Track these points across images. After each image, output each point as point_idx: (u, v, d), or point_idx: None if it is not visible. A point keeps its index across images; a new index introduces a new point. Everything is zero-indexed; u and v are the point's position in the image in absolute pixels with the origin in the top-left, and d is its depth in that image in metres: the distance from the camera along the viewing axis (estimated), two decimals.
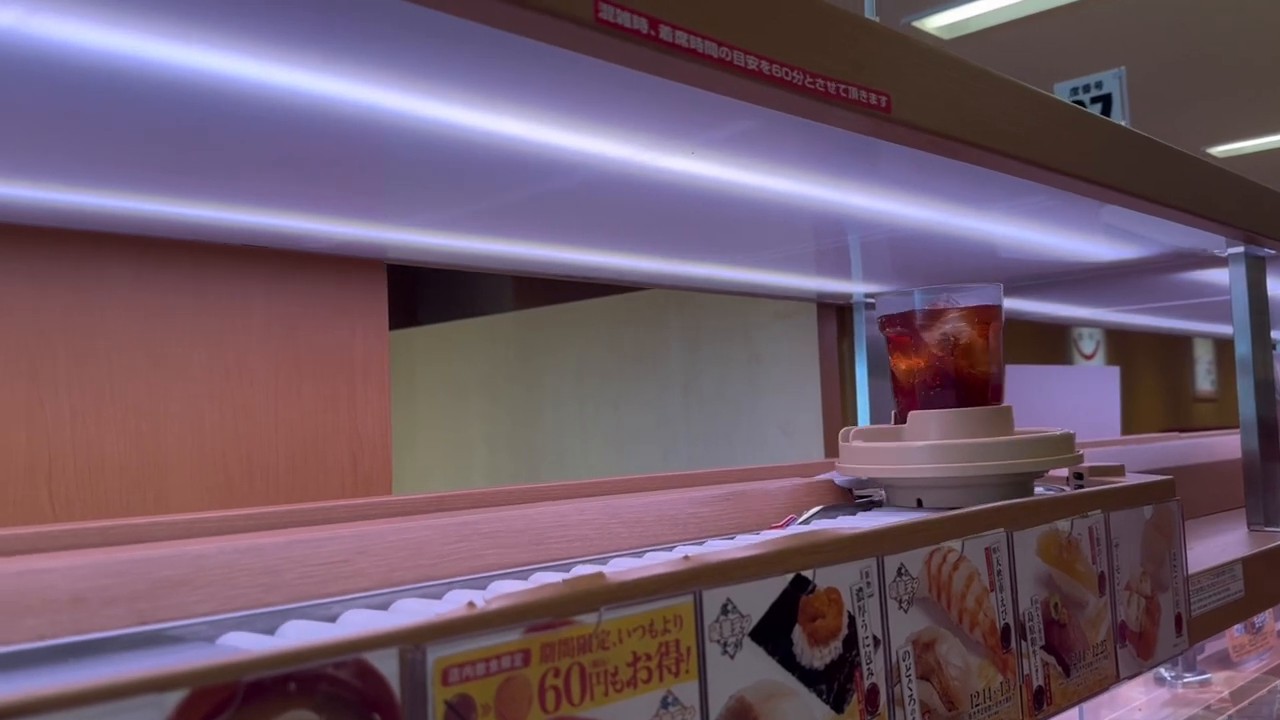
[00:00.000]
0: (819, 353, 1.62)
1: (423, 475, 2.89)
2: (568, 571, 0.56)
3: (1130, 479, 0.78)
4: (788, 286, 1.48)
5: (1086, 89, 1.77)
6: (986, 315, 0.80)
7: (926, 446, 0.73)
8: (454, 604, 0.49)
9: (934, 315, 0.80)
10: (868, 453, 0.76)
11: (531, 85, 0.52)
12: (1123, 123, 1.80)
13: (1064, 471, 0.87)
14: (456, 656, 0.35)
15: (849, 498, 0.80)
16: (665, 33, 0.44)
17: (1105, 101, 1.76)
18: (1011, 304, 1.82)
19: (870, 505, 0.81)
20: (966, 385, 0.78)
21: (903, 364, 0.81)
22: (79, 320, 0.78)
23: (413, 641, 0.34)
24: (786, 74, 0.50)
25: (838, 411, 1.66)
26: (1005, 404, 0.79)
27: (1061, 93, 1.81)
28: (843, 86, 0.54)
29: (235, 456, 0.86)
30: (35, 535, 0.49)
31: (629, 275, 1.31)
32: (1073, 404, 1.65)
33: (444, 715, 0.34)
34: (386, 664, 0.33)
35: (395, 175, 0.69)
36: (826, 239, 1.09)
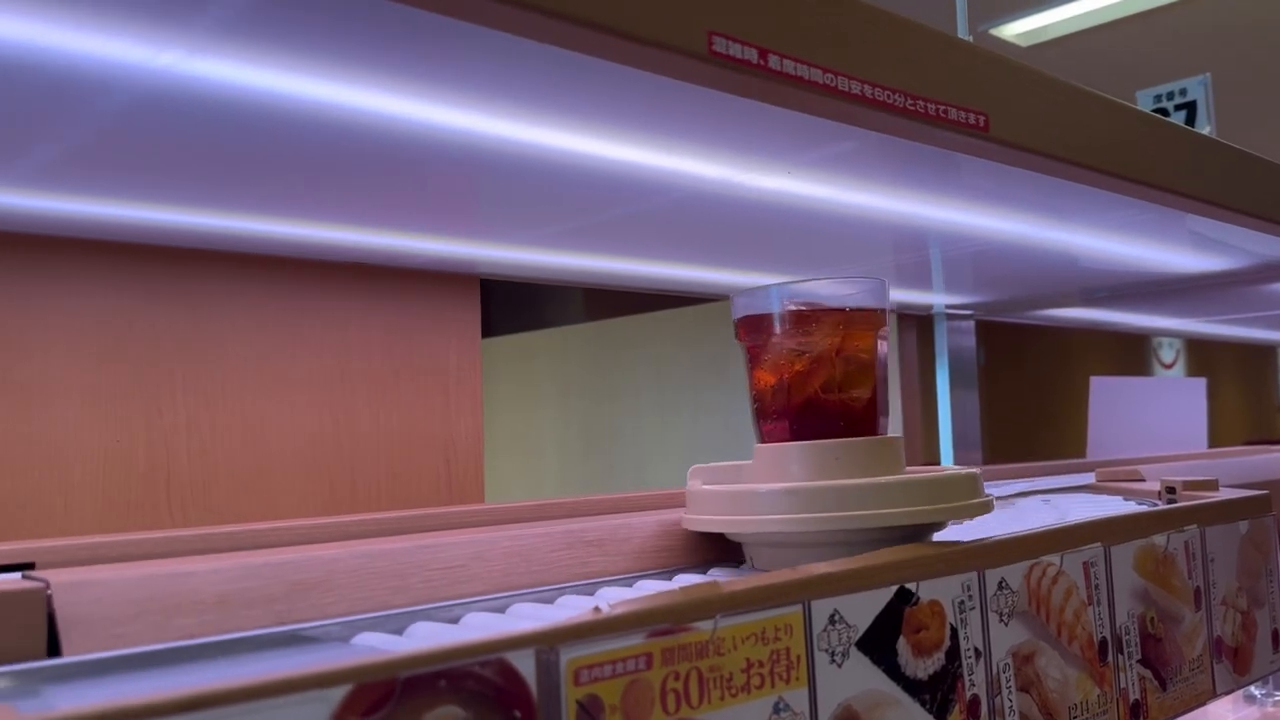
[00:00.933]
0: (899, 364, 1.62)
1: (501, 484, 2.93)
2: (671, 581, 0.58)
3: (1224, 494, 0.77)
4: None
5: (1170, 96, 1.75)
6: (866, 321, 0.61)
7: (770, 493, 0.55)
8: (567, 609, 0.51)
9: (797, 320, 0.60)
10: (709, 499, 0.59)
11: (633, 111, 0.54)
12: (1208, 129, 1.77)
13: (1156, 485, 0.86)
14: (587, 658, 0.37)
15: None
16: (774, 61, 0.46)
17: (1190, 109, 1.73)
18: (1092, 314, 1.80)
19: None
20: (834, 412, 0.60)
21: (760, 382, 0.62)
22: (195, 334, 0.82)
23: (547, 643, 0.36)
24: (888, 97, 0.52)
25: (918, 425, 1.66)
26: (891, 435, 0.61)
27: (1144, 100, 1.78)
28: (942, 107, 0.55)
29: (338, 464, 0.89)
30: (169, 540, 0.52)
31: (712, 288, 1.33)
32: (1159, 416, 1.62)
33: (576, 714, 0.36)
34: (524, 663, 0.35)
35: (494, 197, 0.72)
36: (908, 253, 1.09)
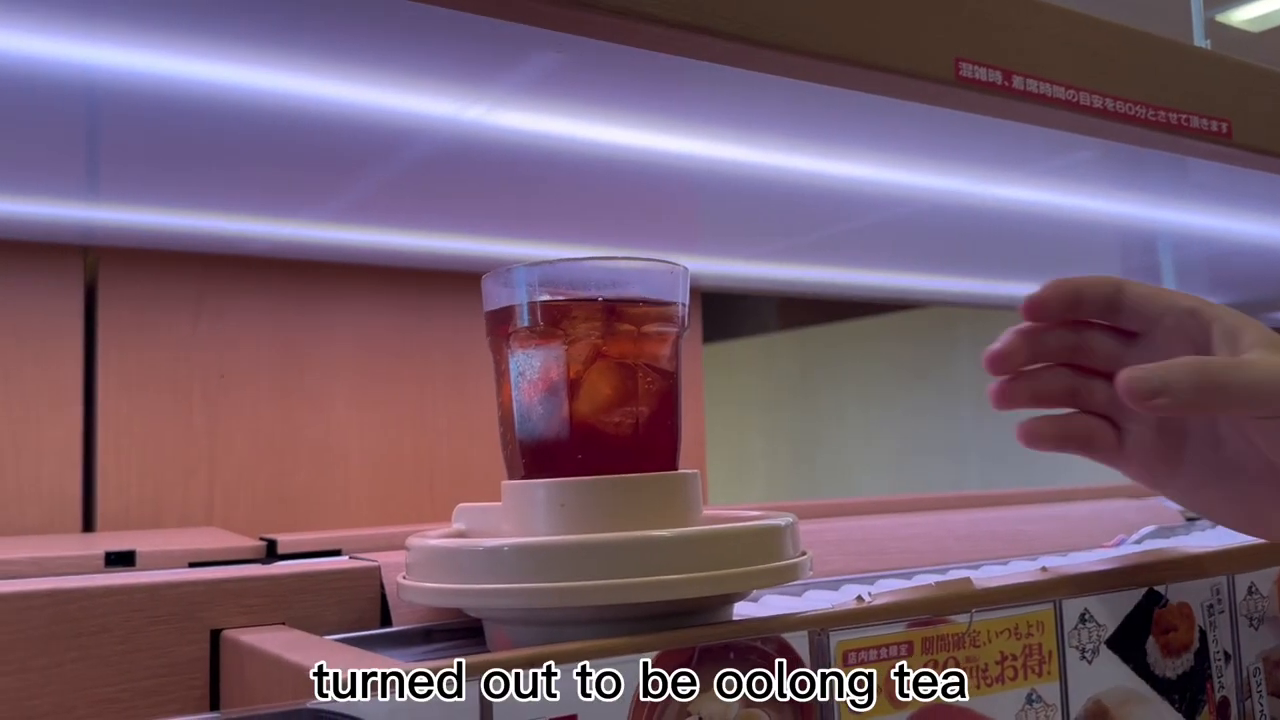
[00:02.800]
0: None
1: (708, 487, 2.98)
2: (909, 580, 0.61)
3: None
4: None
5: None
6: (641, 317, 0.44)
7: (491, 554, 0.39)
8: (813, 602, 0.55)
9: (546, 315, 0.44)
10: (426, 560, 0.42)
11: (876, 133, 0.57)
12: None
13: None
14: (855, 642, 0.40)
15: (1180, 518, 0.80)
16: (1018, 82, 0.48)
17: None
18: None
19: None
20: (600, 443, 0.43)
21: (503, 397, 0.46)
22: (456, 344, 0.90)
23: (819, 626, 0.40)
24: (1130, 109, 0.53)
25: None
26: (687, 471, 0.46)
27: None
28: (1184, 117, 0.55)
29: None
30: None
31: (925, 295, 1.33)
32: None
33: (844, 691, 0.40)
34: (799, 643, 0.39)
35: (724, 215, 0.76)
36: (1136, 257, 1.07)
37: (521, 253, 0.83)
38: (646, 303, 0.44)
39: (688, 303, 0.46)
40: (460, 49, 0.45)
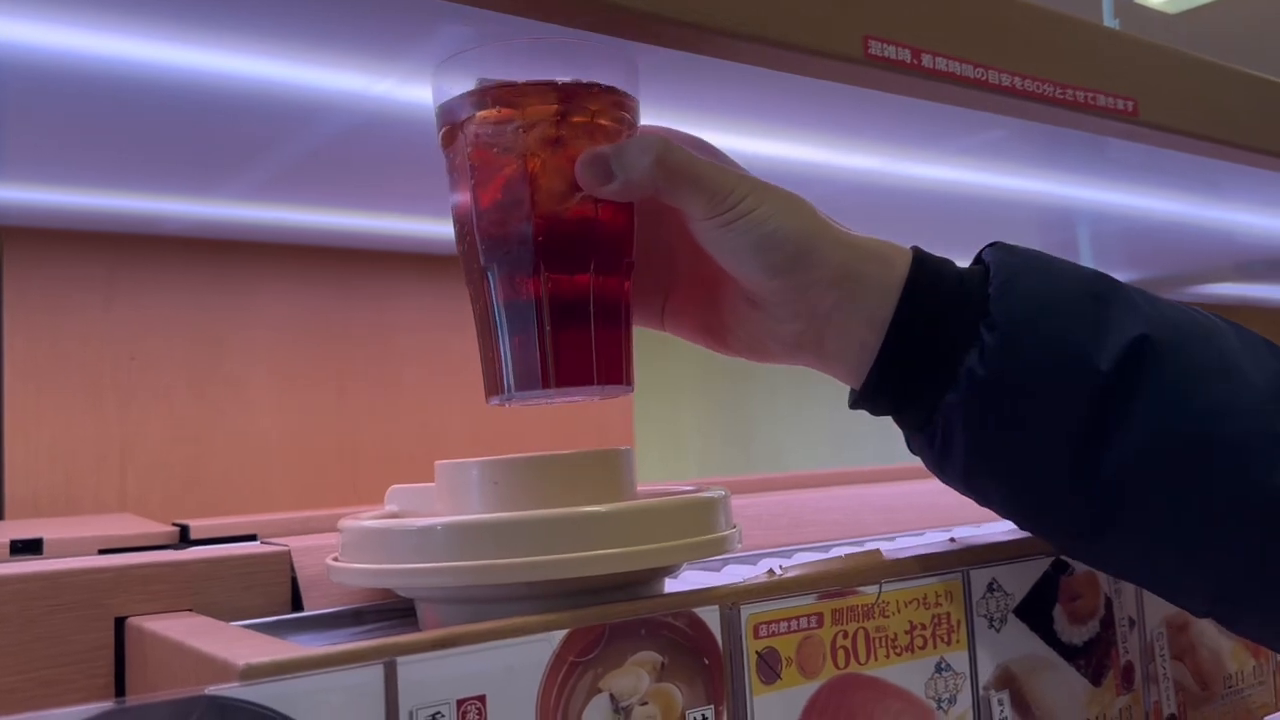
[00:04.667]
0: None
1: (643, 465, 2.99)
2: (827, 553, 0.61)
3: None
4: None
5: None
6: (603, 108, 0.42)
7: (424, 533, 0.39)
8: (732, 576, 0.55)
9: (504, 99, 0.41)
10: (358, 541, 0.42)
11: (788, 112, 0.57)
12: None
13: None
14: (765, 615, 0.41)
15: None
16: (927, 60, 0.49)
17: None
18: (1250, 290, 1.74)
19: None
20: (561, 234, 0.41)
21: (461, 194, 0.44)
22: (375, 328, 0.89)
23: (730, 601, 0.40)
24: (1038, 87, 0.54)
25: None
26: (620, 447, 0.45)
27: None
28: (1091, 95, 0.57)
29: (498, 449, 0.96)
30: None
31: None
32: None
33: (756, 664, 0.40)
34: (711, 618, 0.39)
35: None
36: (1055, 233, 1.09)
37: (443, 231, 0.82)
38: (604, 90, 0.43)
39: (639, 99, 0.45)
40: (367, 23, 0.44)
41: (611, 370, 0.44)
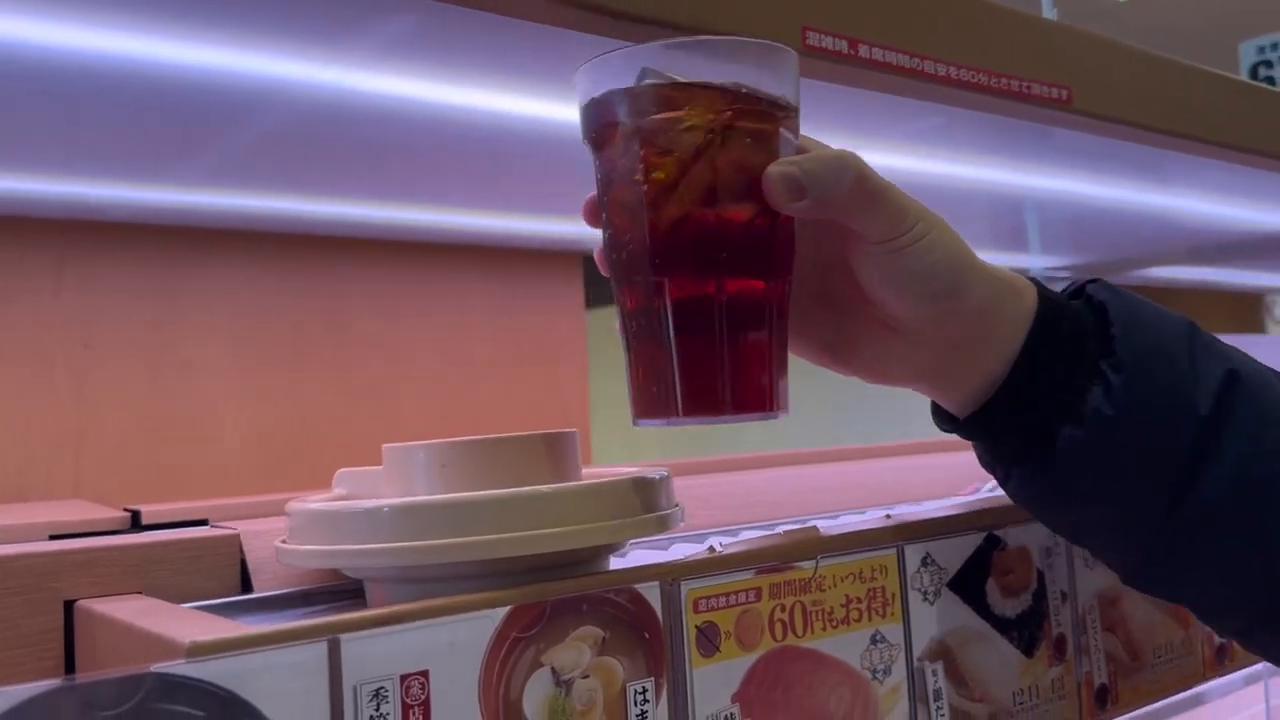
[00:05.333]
0: None
1: (603, 449, 3.00)
2: (772, 531, 0.63)
3: None
4: None
5: (1275, 46, 1.70)
6: (766, 111, 0.41)
7: (370, 514, 0.40)
8: (678, 556, 0.57)
9: (668, 101, 0.39)
10: (306, 523, 0.42)
11: None
12: None
13: None
14: (704, 590, 0.42)
15: None
16: (864, 50, 0.50)
17: None
18: (1196, 273, 1.78)
19: None
20: (726, 237, 0.40)
21: (615, 196, 0.42)
22: (333, 311, 0.89)
23: (670, 577, 0.41)
24: (973, 76, 0.55)
25: None
26: (565, 430, 0.46)
27: (1247, 52, 1.74)
28: (1025, 84, 0.58)
29: (463, 432, 0.96)
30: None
31: None
32: None
33: (696, 638, 0.42)
34: (651, 593, 0.40)
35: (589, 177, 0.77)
36: (1006, 217, 1.11)
37: (394, 216, 0.83)
38: (780, 100, 0.41)
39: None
40: (313, 11, 0.45)
41: (780, 394, 0.43)
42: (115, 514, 0.57)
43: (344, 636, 0.33)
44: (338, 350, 0.90)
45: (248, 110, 0.53)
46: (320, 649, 0.33)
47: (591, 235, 1.01)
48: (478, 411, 0.97)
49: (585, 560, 0.44)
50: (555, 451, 0.45)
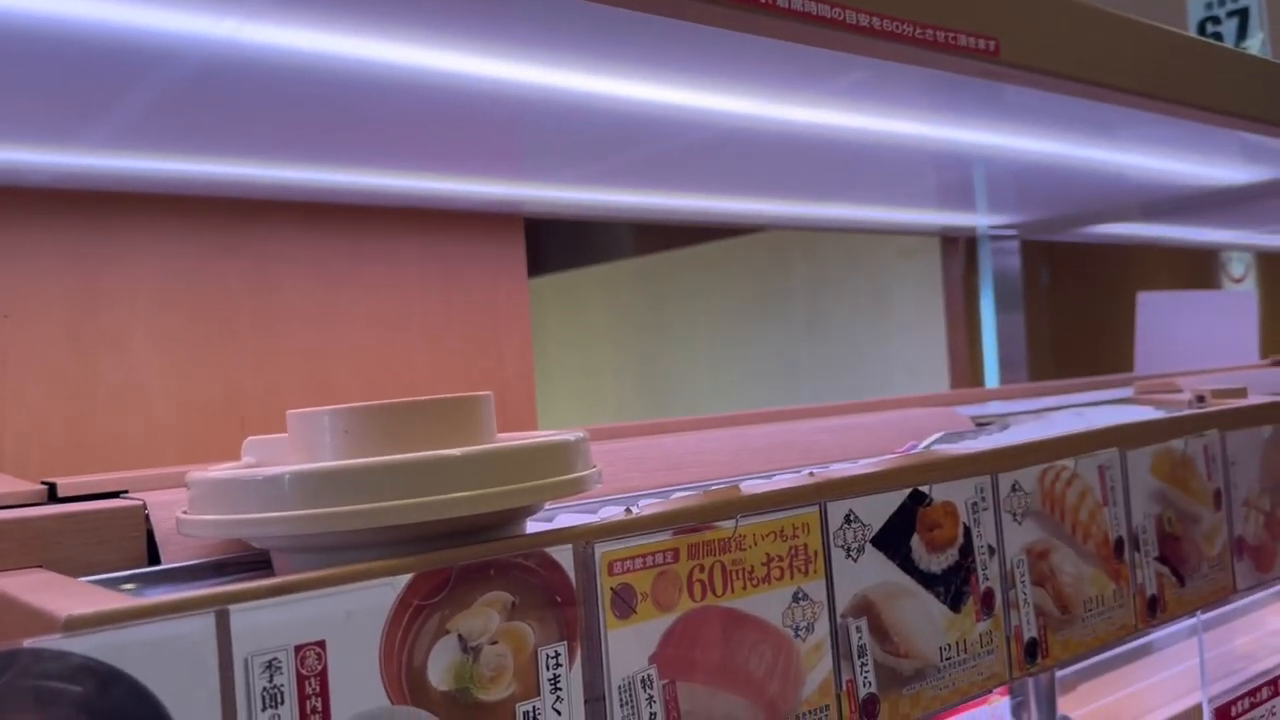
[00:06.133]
0: (944, 288, 1.63)
1: (557, 419, 3.00)
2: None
3: (1252, 400, 0.79)
4: (910, 223, 1.50)
5: (1221, 2, 1.71)
6: None
7: (270, 482, 0.38)
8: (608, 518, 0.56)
9: None
10: (206, 493, 0.41)
11: (657, 55, 0.57)
12: (1260, 36, 1.74)
13: (1187, 395, 0.89)
14: (619, 552, 0.41)
15: (970, 424, 0.84)
16: (783, 0, 0.49)
17: (1242, 15, 1.70)
18: (1146, 230, 1.79)
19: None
20: None
21: None
22: (261, 281, 0.87)
23: (584, 539, 0.40)
24: (896, 27, 0.54)
25: (964, 349, 1.68)
26: (479, 393, 0.44)
27: (1195, 8, 1.75)
28: (951, 34, 0.57)
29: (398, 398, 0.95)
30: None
31: (753, 218, 1.36)
32: (1209, 331, 1.62)
33: (611, 600, 0.41)
34: (564, 557, 0.40)
35: (532, 140, 0.75)
36: (949, 173, 1.11)
37: (322, 178, 0.81)
38: None
39: None
40: None
41: None
42: (31, 487, 0.55)
43: (234, 607, 0.32)
44: (268, 318, 0.88)
45: (144, 68, 0.51)
46: (208, 620, 0.32)
47: (535, 197, 0.99)
48: (415, 380, 0.96)
49: (497, 525, 0.43)
50: (467, 416, 0.44)
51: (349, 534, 0.38)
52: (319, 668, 0.34)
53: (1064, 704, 1.23)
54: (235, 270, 0.86)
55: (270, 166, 0.74)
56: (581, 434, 0.45)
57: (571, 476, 0.42)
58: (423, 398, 0.43)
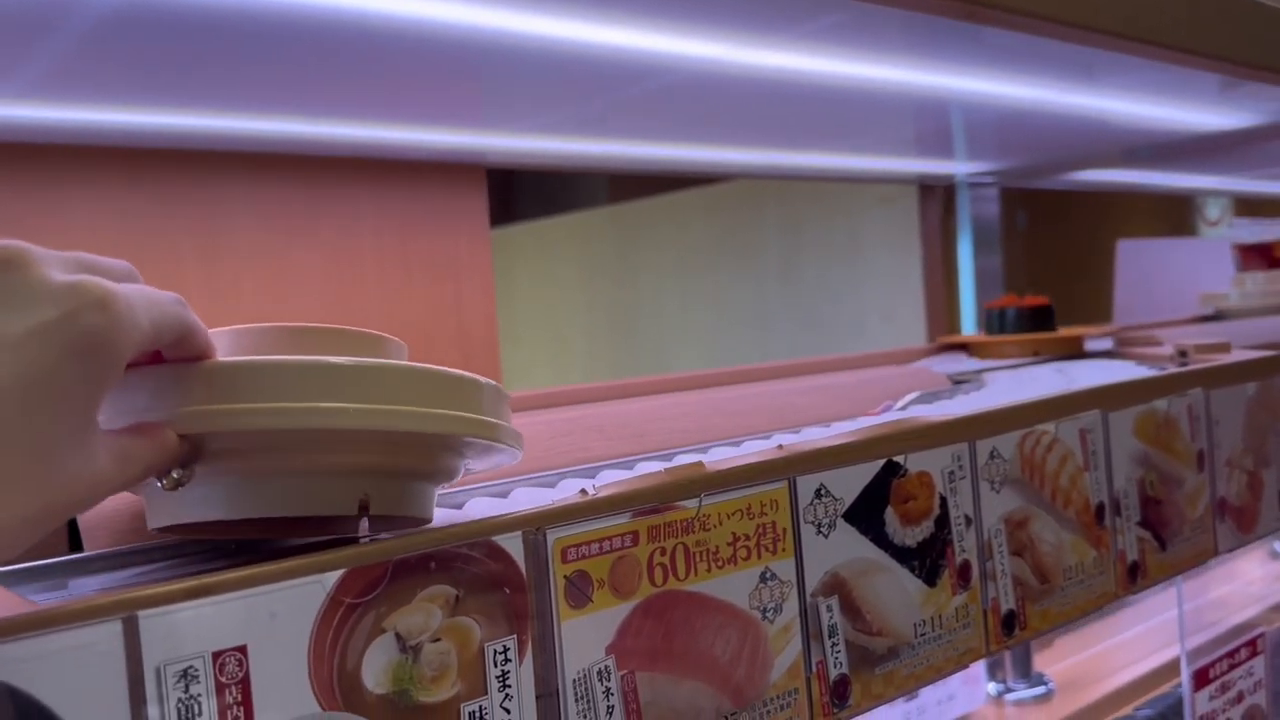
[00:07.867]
0: (921, 236, 1.60)
1: (525, 370, 2.96)
2: (670, 461, 0.60)
3: (1233, 355, 0.77)
4: (888, 170, 1.46)
5: None
6: None
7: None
8: (566, 492, 0.53)
9: None
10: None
11: None
12: None
13: (1169, 349, 0.87)
14: (573, 537, 0.39)
15: (947, 382, 0.81)
16: None
17: None
18: (1124, 175, 1.77)
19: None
20: None
21: None
22: (209, 234, 0.83)
23: (534, 525, 0.38)
24: None
25: (941, 297, 1.65)
26: (390, 336, 0.42)
27: None
28: None
29: None
30: None
31: (725, 168, 1.32)
32: (1188, 278, 1.60)
33: (565, 589, 0.38)
34: (512, 545, 0.37)
35: (493, 86, 0.71)
36: (927, 120, 1.07)
37: (271, 128, 0.76)
38: None
39: None
40: None
41: None
42: None
43: (142, 613, 0.29)
44: (217, 273, 0.84)
45: (59, 15, 0.47)
46: (114, 628, 0.29)
47: (497, 147, 0.95)
48: (378, 329, 0.92)
49: (413, 470, 0.36)
50: (371, 348, 0.39)
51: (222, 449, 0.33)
52: (240, 675, 0.31)
53: (1040, 660, 1.23)
54: (181, 226, 0.82)
55: (214, 116, 0.70)
56: (494, 383, 0.38)
57: (478, 417, 0.36)
58: (323, 325, 0.38)
